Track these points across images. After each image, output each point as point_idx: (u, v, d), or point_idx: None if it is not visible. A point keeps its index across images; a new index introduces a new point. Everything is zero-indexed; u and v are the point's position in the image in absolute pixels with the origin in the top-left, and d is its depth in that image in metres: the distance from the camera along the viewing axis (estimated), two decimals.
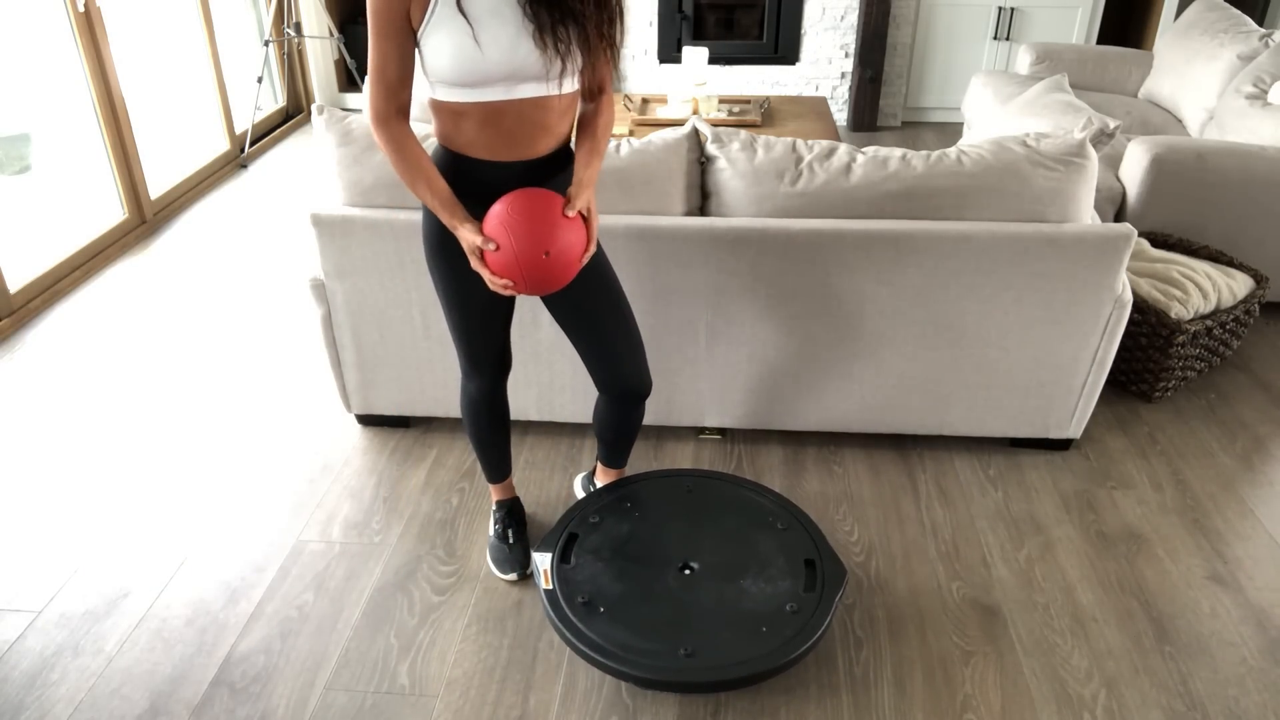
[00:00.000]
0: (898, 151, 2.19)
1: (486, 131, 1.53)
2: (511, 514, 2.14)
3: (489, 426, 1.98)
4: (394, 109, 1.51)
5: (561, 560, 1.87)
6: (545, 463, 2.44)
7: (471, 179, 1.58)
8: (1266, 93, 3.37)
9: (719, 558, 1.87)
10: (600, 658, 1.67)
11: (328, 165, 2.22)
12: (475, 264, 1.56)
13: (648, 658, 1.67)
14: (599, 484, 2.19)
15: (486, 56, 1.44)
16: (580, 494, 2.28)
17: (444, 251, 1.67)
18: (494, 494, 2.16)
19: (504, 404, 1.97)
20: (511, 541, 2.09)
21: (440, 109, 1.54)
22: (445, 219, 1.56)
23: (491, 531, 2.14)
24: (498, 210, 1.53)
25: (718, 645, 1.68)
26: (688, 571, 1.85)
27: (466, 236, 1.54)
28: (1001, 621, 1.96)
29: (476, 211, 1.58)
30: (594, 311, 1.76)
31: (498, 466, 2.09)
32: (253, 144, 4.78)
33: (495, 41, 1.44)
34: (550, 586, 1.80)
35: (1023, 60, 4.33)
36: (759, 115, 3.81)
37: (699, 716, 1.74)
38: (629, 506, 1.99)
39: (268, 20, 4.83)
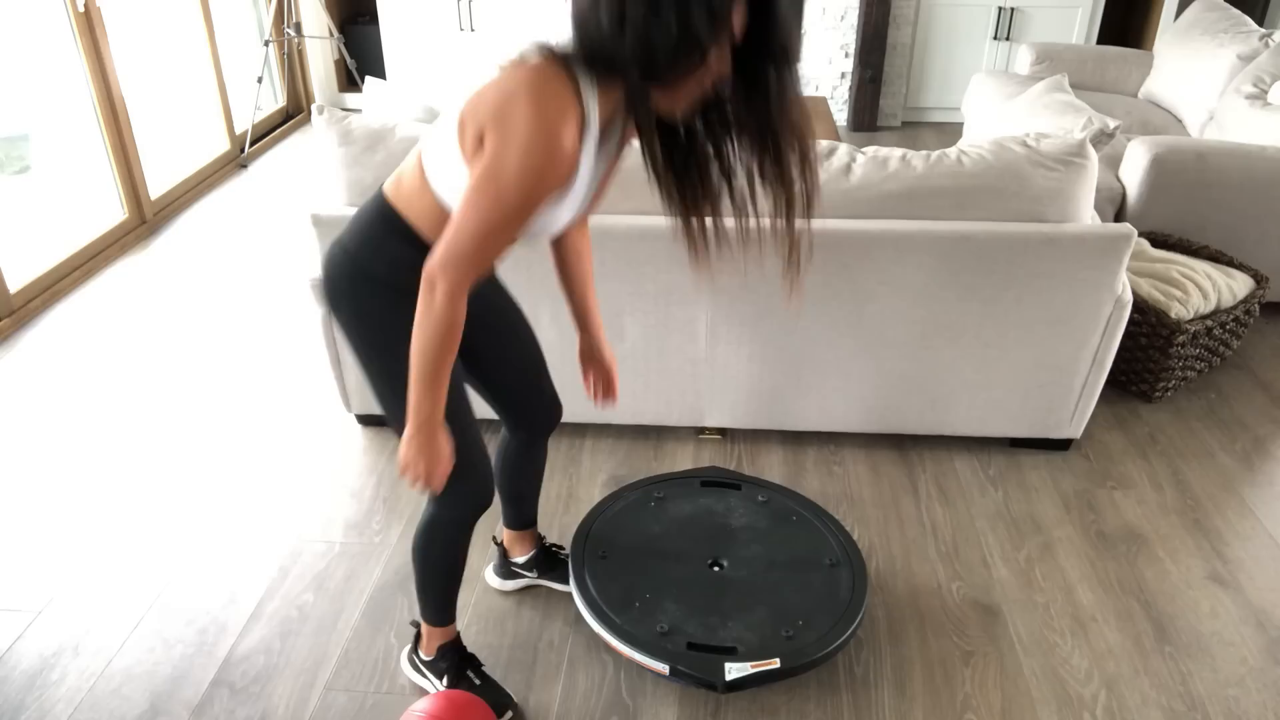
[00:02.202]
0: (898, 151, 2.19)
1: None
2: (465, 653, 1.78)
3: (462, 551, 1.65)
4: (473, 281, 1.28)
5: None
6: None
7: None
8: (1266, 93, 3.37)
9: (754, 574, 1.88)
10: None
11: (328, 165, 2.22)
12: (419, 475, 1.39)
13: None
14: (517, 556, 1.98)
15: (573, 220, 1.39)
16: (495, 581, 2.02)
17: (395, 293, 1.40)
18: (440, 639, 1.74)
19: None
20: (481, 682, 1.74)
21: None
22: (430, 408, 1.34)
23: (441, 688, 1.74)
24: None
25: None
26: (717, 569, 1.88)
27: (443, 443, 1.38)
28: (1001, 621, 1.96)
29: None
30: (516, 342, 1.67)
31: (454, 600, 1.73)
32: (253, 144, 4.78)
33: (581, 206, 1.37)
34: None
35: (1023, 60, 4.33)
36: None
37: (699, 716, 1.74)
38: (656, 502, 2.00)
39: (268, 20, 4.83)
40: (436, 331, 1.28)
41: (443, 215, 1.34)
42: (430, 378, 1.31)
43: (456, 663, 1.74)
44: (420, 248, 1.36)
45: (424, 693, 1.77)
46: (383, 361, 1.44)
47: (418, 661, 1.79)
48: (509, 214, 1.21)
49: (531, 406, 1.74)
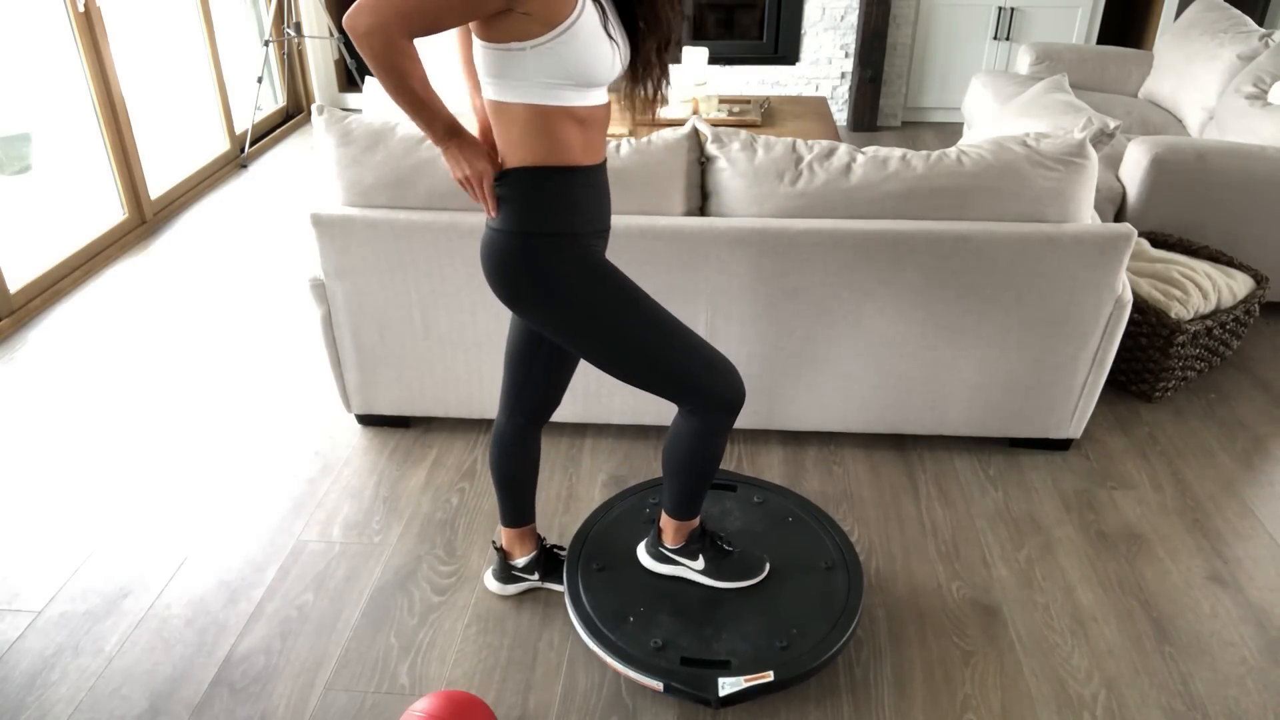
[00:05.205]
0: (898, 151, 2.19)
1: (589, 134, 1.50)
2: (711, 531, 1.92)
3: (723, 447, 1.77)
4: (409, 36, 1.33)
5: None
6: (544, 463, 2.44)
7: (580, 186, 1.52)
8: (1266, 93, 3.37)
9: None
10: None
11: (328, 165, 2.22)
12: (468, 179, 1.48)
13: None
14: (518, 558, 1.97)
15: (618, 61, 1.46)
16: (494, 585, 2.02)
17: (601, 271, 1.55)
18: (689, 528, 1.86)
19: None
20: (734, 549, 1.89)
21: (554, 118, 1.45)
22: (432, 121, 1.42)
23: (699, 566, 1.88)
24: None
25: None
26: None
27: (471, 142, 1.46)
28: (1001, 621, 1.96)
29: (589, 219, 1.54)
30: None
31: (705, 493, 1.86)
32: (253, 144, 4.78)
33: (620, 43, 1.46)
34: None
35: (1023, 60, 4.33)
36: (759, 115, 3.81)
37: (699, 717, 1.74)
38: (651, 508, 2.00)
39: (268, 20, 4.83)
40: (389, 72, 1.33)
41: (530, 113, 1.42)
42: (415, 104, 1.39)
43: (709, 542, 1.88)
44: (547, 169, 1.47)
45: (677, 581, 1.89)
46: (604, 323, 1.54)
47: (665, 552, 1.89)
48: None
49: (545, 395, 1.79)
